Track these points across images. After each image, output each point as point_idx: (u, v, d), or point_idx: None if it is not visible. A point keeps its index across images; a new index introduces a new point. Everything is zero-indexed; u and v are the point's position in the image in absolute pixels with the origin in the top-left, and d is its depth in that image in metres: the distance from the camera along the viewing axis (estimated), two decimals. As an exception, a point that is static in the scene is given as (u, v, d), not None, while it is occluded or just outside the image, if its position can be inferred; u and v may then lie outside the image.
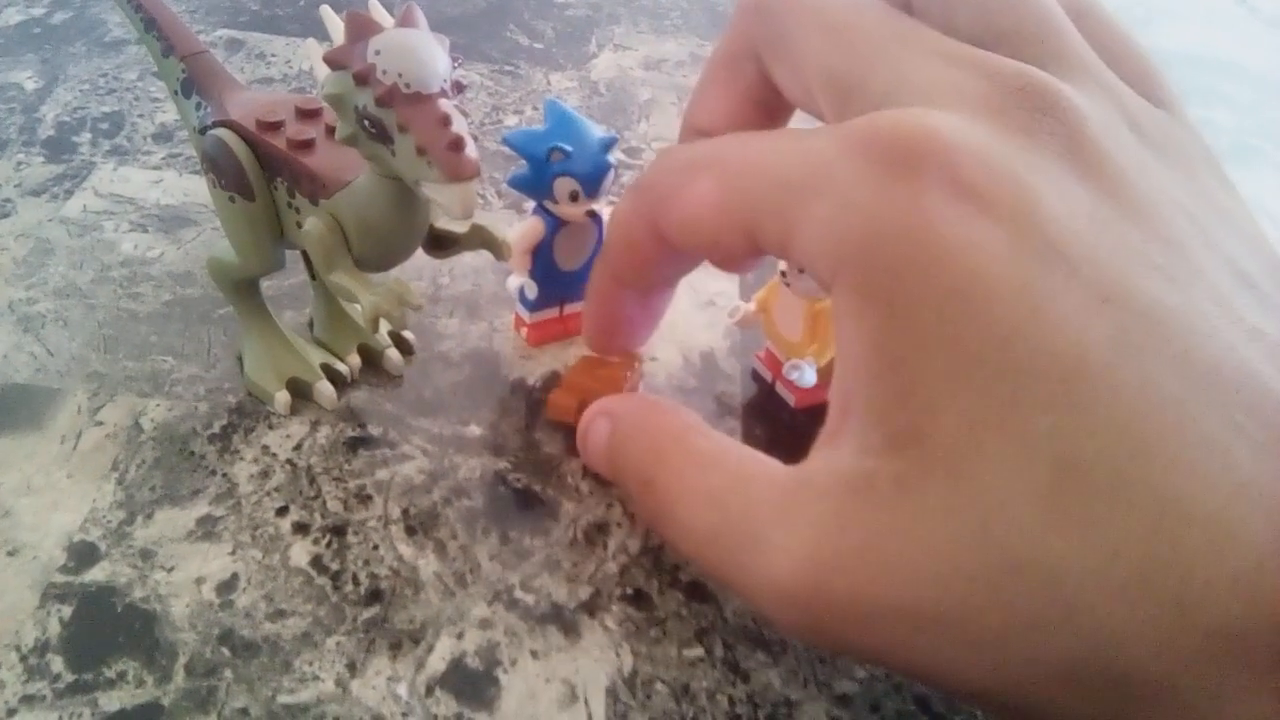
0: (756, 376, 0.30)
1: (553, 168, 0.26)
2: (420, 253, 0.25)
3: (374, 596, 0.23)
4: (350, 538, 0.24)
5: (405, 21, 0.21)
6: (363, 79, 0.20)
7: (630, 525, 0.25)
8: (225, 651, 0.21)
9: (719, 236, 0.19)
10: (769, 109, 0.22)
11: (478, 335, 0.30)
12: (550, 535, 0.24)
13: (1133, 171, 0.16)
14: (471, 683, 0.21)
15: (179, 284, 0.31)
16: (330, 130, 0.24)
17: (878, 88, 0.18)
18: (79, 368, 0.27)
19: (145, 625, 0.21)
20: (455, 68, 0.21)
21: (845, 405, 0.17)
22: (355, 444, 0.26)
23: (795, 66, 0.20)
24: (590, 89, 0.45)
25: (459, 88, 0.21)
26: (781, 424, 0.29)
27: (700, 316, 0.32)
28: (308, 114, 0.24)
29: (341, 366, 0.28)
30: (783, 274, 0.27)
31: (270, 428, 0.26)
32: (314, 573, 0.23)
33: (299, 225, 0.24)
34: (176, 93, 0.26)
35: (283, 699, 0.20)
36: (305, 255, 0.27)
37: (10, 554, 0.22)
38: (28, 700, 0.20)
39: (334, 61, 0.20)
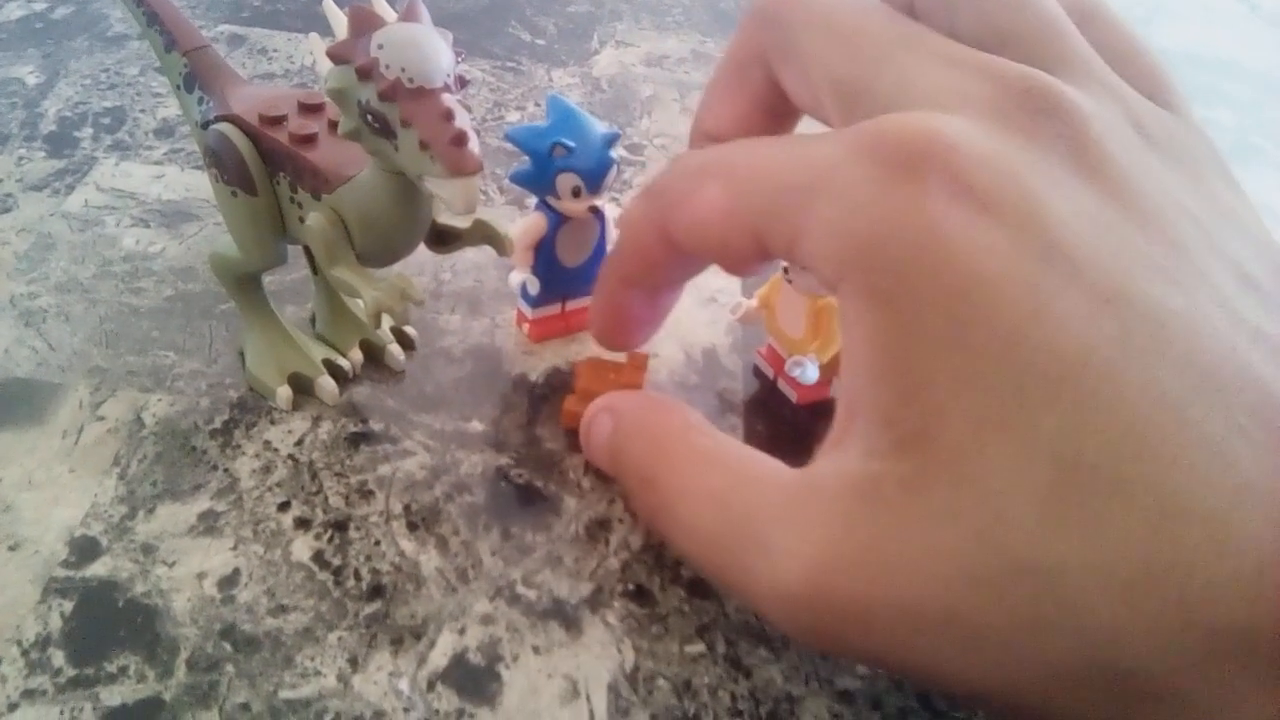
0: (758, 373, 0.30)
1: (555, 163, 0.26)
2: (422, 248, 0.25)
3: (376, 592, 0.23)
4: (352, 533, 0.24)
5: (408, 16, 0.21)
6: (366, 73, 0.20)
7: (632, 521, 0.25)
8: (227, 646, 0.21)
9: (727, 241, 0.19)
10: (777, 114, 0.22)
11: (480, 331, 0.30)
12: (552, 531, 0.24)
13: (1136, 173, 0.16)
14: (473, 678, 0.21)
15: (181, 279, 0.31)
16: (333, 125, 0.24)
17: (883, 92, 0.18)
18: (80, 363, 0.27)
19: (147, 620, 0.21)
20: (458, 63, 0.21)
21: (852, 408, 0.17)
22: (357, 439, 0.26)
23: (802, 72, 0.20)
24: (592, 85, 0.45)
25: (462, 82, 0.21)
26: (783, 421, 0.29)
27: (702, 313, 0.32)
28: (310, 109, 0.24)
29: (343, 362, 0.28)
30: (785, 270, 0.27)
31: (272, 423, 0.26)
32: (316, 568, 0.23)
33: (301, 220, 0.24)
34: (179, 87, 0.26)
35: (284, 694, 0.20)
36: (307, 250, 0.27)
37: (12, 549, 0.22)
38: (29, 695, 0.20)
39: (337, 56, 0.20)
